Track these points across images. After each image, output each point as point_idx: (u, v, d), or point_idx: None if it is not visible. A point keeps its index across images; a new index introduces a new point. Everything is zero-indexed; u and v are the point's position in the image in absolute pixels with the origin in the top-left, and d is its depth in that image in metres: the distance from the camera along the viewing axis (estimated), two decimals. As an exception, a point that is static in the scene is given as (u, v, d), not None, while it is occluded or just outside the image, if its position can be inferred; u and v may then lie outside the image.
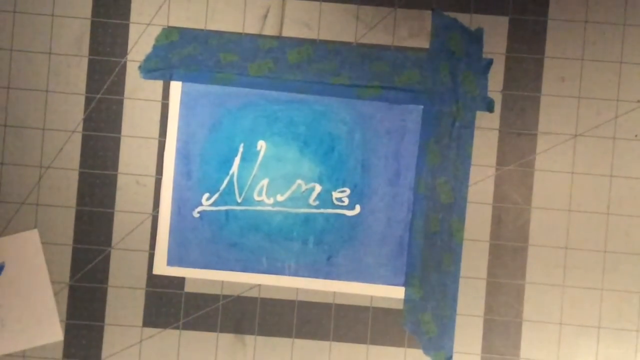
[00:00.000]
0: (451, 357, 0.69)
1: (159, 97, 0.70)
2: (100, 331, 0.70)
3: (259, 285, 0.69)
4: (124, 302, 0.69)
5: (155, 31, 0.69)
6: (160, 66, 0.69)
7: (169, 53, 0.69)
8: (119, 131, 0.70)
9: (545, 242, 0.69)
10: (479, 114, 0.69)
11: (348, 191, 0.69)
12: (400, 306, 0.69)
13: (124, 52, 0.70)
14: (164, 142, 0.70)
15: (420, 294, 0.69)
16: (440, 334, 0.69)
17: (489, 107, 0.69)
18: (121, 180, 0.70)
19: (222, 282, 0.69)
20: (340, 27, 0.69)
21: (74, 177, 0.70)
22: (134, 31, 0.70)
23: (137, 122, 0.70)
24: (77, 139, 0.70)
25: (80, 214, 0.70)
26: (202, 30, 0.70)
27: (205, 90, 0.69)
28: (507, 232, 0.69)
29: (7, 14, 0.70)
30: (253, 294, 0.69)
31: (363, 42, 0.69)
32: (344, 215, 0.70)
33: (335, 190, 0.69)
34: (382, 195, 0.69)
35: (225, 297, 0.69)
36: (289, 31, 0.69)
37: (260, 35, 0.69)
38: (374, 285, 0.69)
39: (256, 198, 0.70)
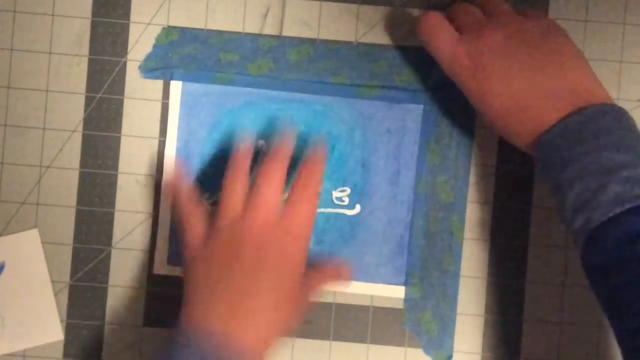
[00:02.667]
0: (451, 356, 0.69)
1: (159, 96, 0.70)
2: (100, 330, 0.70)
3: (259, 284, 0.69)
4: (124, 301, 0.69)
5: (156, 31, 0.70)
6: (161, 66, 0.70)
7: (169, 52, 0.69)
8: (119, 131, 0.70)
9: (546, 241, 0.69)
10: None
11: (348, 190, 0.69)
12: (401, 305, 0.69)
13: (124, 52, 0.70)
14: (164, 141, 0.70)
15: (420, 293, 0.69)
16: (441, 333, 0.69)
17: (489, 107, 0.69)
18: (121, 180, 0.70)
19: (223, 281, 0.69)
20: (340, 26, 0.69)
21: (74, 177, 0.70)
22: (134, 31, 0.70)
23: (137, 122, 0.70)
24: (77, 138, 0.70)
25: (80, 213, 0.70)
26: (202, 29, 0.70)
27: (206, 89, 0.69)
28: (508, 231, 0.69)
29: (7, 13, 0.70)
30: (253, 293, 0.69)
31: (363, 41, 0.69)
32: (344, 214, 0.70)
33: (335, 190, 0.69)
34: (382, 194, 0.69)
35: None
36: (289, 30, 0.70)
37: (260, 35, 0.70)
38: (374, 285, 0.69)
39: (256, 197, 0.70)
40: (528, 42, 0.60)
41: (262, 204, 0.62)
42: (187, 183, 0.67)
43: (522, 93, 0.59)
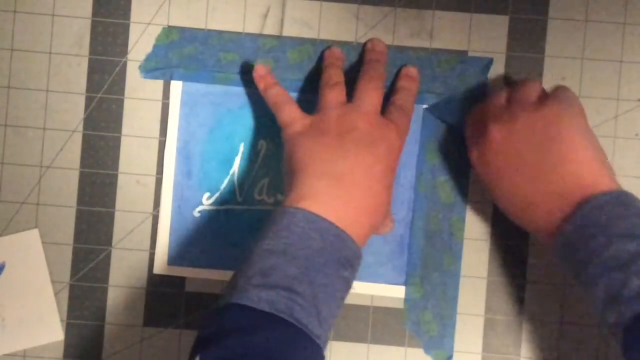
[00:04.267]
0: (452, 356, 0.69)
1: (160, 96, 0.70)
2: (100, 331, 0.69)
3: (260, 284, 0.69)
4: (125, 301, 0.69)
5: (156, 31, 0.70)
6: (161, 66, 0.69)
7: (169, 52, 0.69)
8: (120, 131, 0.70)
9: (545, 241, 0.69)
10: (479, 113, 0.69)
11: (348, 190, 0.69)
12: (401, 305, 0.69)
13: (124, 52, 0.70)
14: (165, 141, 0.70)
15: (420, 293, 0.69)
16: (441, 333, 0.69)
17: (489, 107, 0.69)
18: (121, 180, 0.70)
19: (223, 281, 0.69)
20: (340, 26, 0.69)
21: (74, 177, 0.70)
22: (134, 31, 0.70)
23: (137, 122, 0.70)
24: (78, 138, 0.70)
25: (80, 213, 0.70)
26: (202, 29, 0.70)
27: (206, 89, 0.69)
28: (508, 231, 0.69)
29: (7, 13, 0.70)
30: (253, 293, 0.69)
31: (363, 41, 0.69)
32: (344, 214, 0.69)
33: (335, 190, 0.69)
34: (382, 194, 0.69)
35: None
36: (290, 30, 0.70)
37: (260, 35, 0.70)
38: (375, 285, 0.69)
39: (257, 197, 0.70)
40: (529, 138, 0.60)
41: (368, 97, 0.64)
42: (270, 70, 0.67)
43: (526, 192, 0.60)
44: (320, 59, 0.69)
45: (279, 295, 0.54)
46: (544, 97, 0.62)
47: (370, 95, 0.64)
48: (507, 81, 0.69)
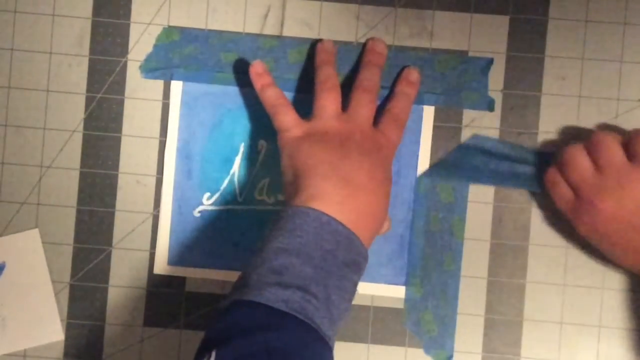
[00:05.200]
0: (452, 356, 0.69)
1: (160, 96, 0.70)
2: (100, 330, 0.69)
3: (260, 284, 0.69)
4: (125, 301, 0.69)
5: (156, 31, 0.70)
6: (161, 66, 0.69)
7: (170, 52, 0.69)
8: (120, 131, 0.70)
9: (546, 241, 0.69)
10: (479, 113, 0.69)
11: (349, 190, 0.69)
12: (401, 305, 0.69)
13: (124, 52, 0.70)
14: (165, 141, 0.70)
15: (420, 293, 0.69)
16: (441, 333, 0.69)
17: (489, 107, 0.69)
18: (122, 180, 0.70)
19: (223, 281, 0.69)
20: (340, 26, 0.69)
21: (74, 177, 0.70)
22: (134, 31, 0.70)
23: (137, 122, 0.70)
24: (78, 138, 0.70)
25: (80, 213, 0.70)
26: (202, 29, 0.70)
27: (206, 89, 0.69)
28: (508, 231, 0.69)
29: (7, 13, 0.70)
30: (254, 293, 0.69)
31: (363, 41, 0.69)
32: (344, 214, 0.69)
33: (335, 190, 0.69)
34: (382, 194, 0.69)
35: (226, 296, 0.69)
36: (290, 31, 0.70)
37: (260, 35, 0.70)
38: (375, 285, 0.69)
39: (257, 197, 0.70)
40: (638, 202, 0.61)
41: (363, 110, 0.65)
42: (268, 71, 0.67)
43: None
44: (312, 49, 0.69)
45: (295, 295, 0.54)
46: (634, 152, 0.62)
47: (365, 108, 0.65)
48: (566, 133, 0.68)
